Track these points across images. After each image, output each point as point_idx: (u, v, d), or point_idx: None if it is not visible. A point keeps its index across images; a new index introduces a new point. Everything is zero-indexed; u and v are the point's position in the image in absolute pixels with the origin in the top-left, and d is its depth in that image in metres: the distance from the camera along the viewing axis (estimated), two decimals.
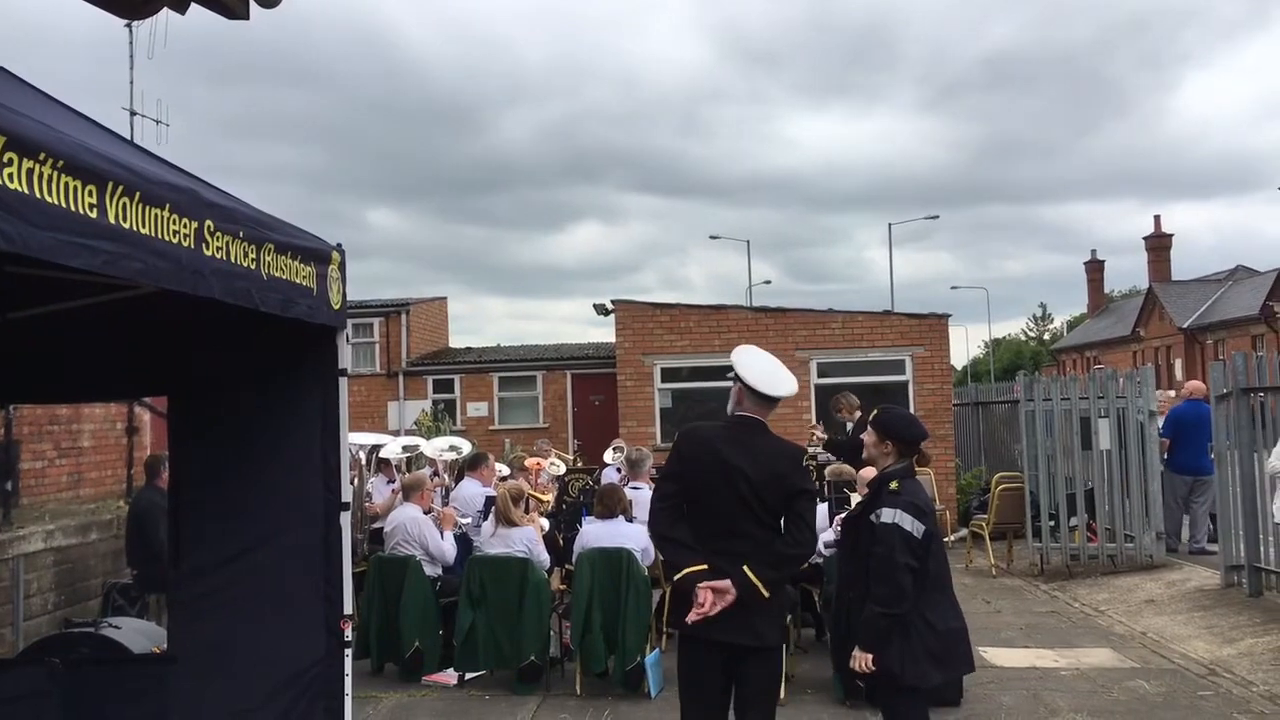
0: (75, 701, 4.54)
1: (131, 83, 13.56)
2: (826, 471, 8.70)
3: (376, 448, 10.71)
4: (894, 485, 4.38)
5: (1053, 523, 11.31)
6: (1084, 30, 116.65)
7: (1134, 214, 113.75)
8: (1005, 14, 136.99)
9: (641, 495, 7.94)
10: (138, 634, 5.43)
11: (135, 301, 4.23)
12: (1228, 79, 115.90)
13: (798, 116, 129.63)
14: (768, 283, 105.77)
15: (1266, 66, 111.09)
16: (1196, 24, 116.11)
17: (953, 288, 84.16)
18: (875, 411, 4.68)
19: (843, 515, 4.56)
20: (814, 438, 11.34)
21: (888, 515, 4.31)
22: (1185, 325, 43.11)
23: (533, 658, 7.02)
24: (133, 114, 13.86)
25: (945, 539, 14.08)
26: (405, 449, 10.96)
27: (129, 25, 11.95)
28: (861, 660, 4.28)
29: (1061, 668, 7.54)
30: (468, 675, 7.30)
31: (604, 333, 24.36)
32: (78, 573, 8.82)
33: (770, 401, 4.20)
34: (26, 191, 2.19)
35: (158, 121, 14.05)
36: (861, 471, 6.36)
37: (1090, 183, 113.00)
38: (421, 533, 7.68)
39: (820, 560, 7.39)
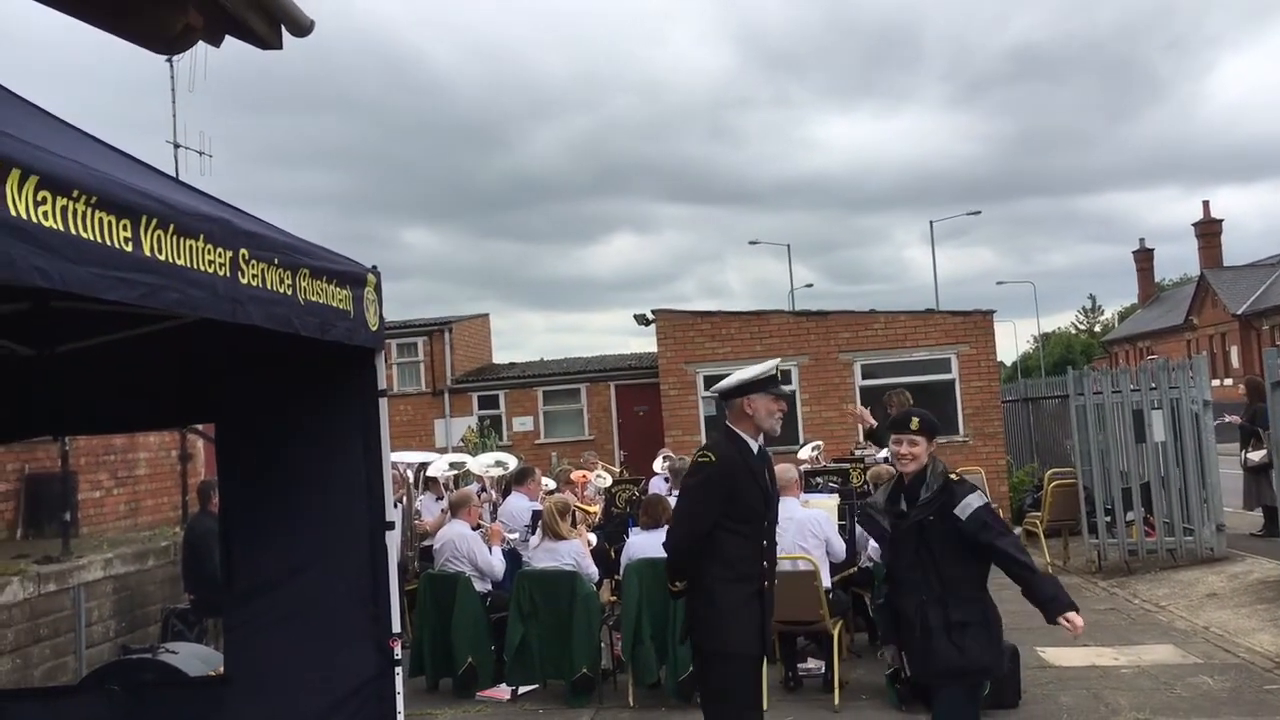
0: None
1: (174, 116, 13.83)
2: (869, 474, 8.61)
3: (424, 466, 10.79)
4: (955, 475, 4.45)
5: (1109, 518, 11.11)
6: (1108, 17, 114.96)
7: (1177, 200, 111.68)
8: (1026, 6, 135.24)
9: None
10: (194, 658, 5.51)
11: (180, 330, 4.30)
12: (1260, 60, 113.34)
13: (826, 118, 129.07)
14: (809, 286, 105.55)
15: None
16: (1222, 6, 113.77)
17: (998, 283, 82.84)
18: (914, 420, 4.51)
19: (899, 520, 4.46)
20: (857, 419, 10.95)
21: (976, 500, 4.32)
22: (1240, 311, 42.22)
23: (584, 670, 7.02)
24: (176, 146, 14.14)
25: None
26: (452, 466, 11.02)
27: (169, 60, 12.18)
28: (1075, 621, 4.26)
29: (1122, 666, 7.40)
30: (520, 690, 7.33)
31: (646, 343, 24.40)
32: (137, 599, 8.98)
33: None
34: (62, 228, 2.23)
35: (200, 153, 14.32)
36: (879, 470, 6.30)
37: (1129, 171, 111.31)
38: (470, 549, 7.72)
39: (870, 565, 7.32)
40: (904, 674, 4.66)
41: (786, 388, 16.15)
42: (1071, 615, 4.22)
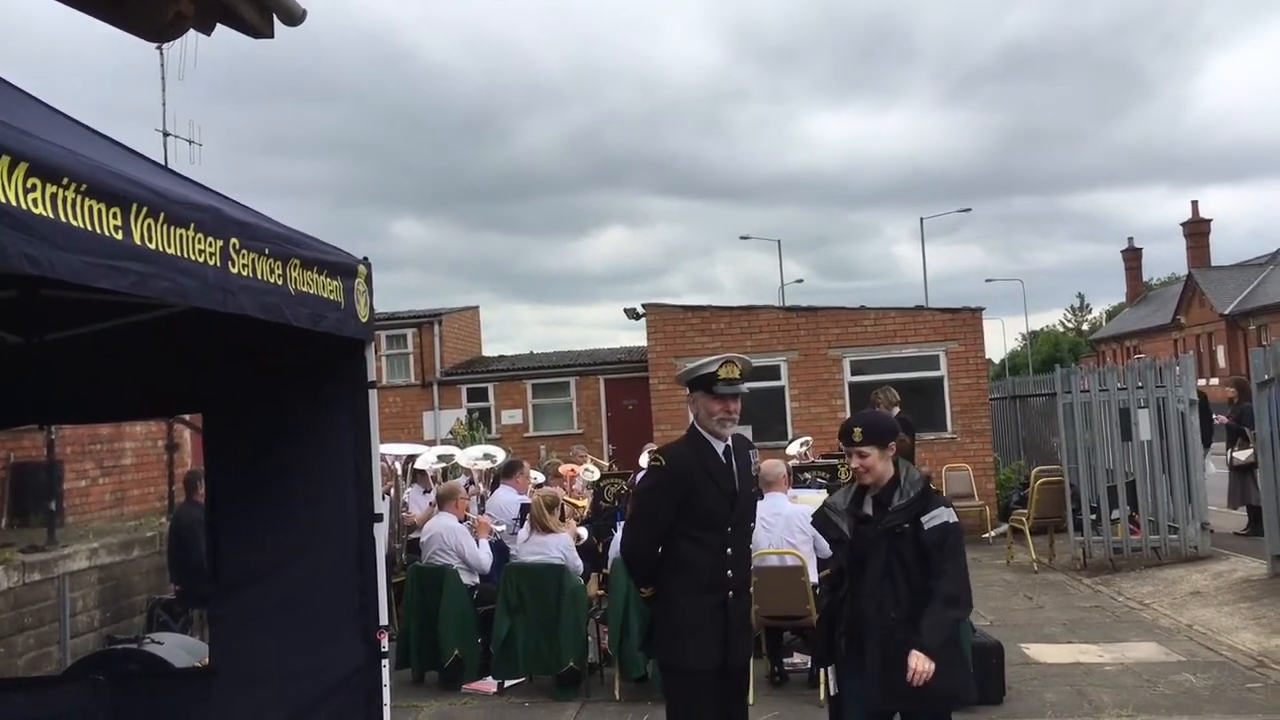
0: (120, 717, 4.59)
1: (164, 104, 13.73)
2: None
3: (412, 458, 10.77)
4: (931, 485, 4.27)
5: (1094, 516, 11.17)
6: (1101, 16, 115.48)
7: (1165, 200, 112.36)
8: (1018, 3, 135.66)
9: None
10: (179, 649, 5.49)
11: (169, 320, 4.29)
12: (1251, 60, 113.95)
13: (818, 114, 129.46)
14: (799, 281, 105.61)
15: None
16: (1216, 5, 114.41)
17: (987, 280, 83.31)
18: (856, 431, 4.15)
19: (862, 525, 4.13)
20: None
21: (946, 515, 4.02)
22: (1226, 311, 42.44)
23: (571, 664, 7.03)
24: (166, 135, 14.05)
25: (985, 535, 13.97)
26: (440, 459, 11.01)
27: (159, 48, 12.10)
28: (921, 667, 3.79)
29: (1106, 663, 7.44)
30: (507, 683, 7.32)
31: (635, 337, 24.37)
32: (122, 590, 8.94)
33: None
34: (51, 216, 2.21)
35: (190, 142, 14.23)
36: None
37: (1119, 170, 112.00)
38: (458, 542, 7.71)
39: None
40: (830, 692, 4.24)
41: (772, 383, 16.23)
42: (920, 657, 3.80)
